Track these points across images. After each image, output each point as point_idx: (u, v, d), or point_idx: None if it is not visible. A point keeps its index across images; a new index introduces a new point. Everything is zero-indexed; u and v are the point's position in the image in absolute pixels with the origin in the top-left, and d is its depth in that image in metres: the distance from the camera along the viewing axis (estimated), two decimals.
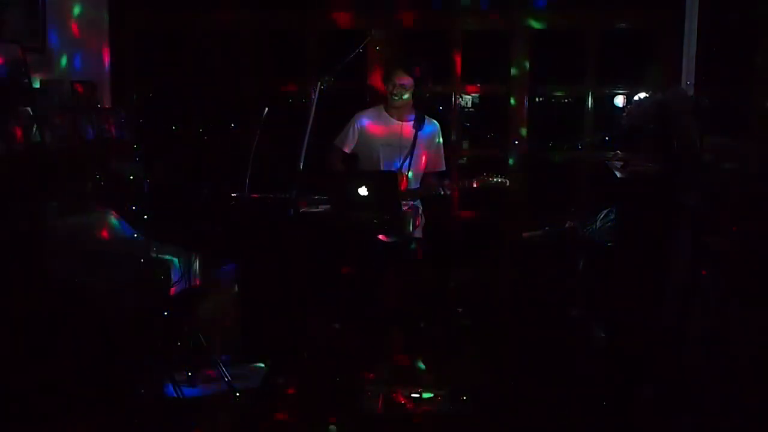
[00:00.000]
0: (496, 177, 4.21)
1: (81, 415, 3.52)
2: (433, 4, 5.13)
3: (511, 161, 5.14)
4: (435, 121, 4.40)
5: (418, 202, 4.35)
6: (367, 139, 4.33)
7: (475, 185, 4.22)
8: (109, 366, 3.68)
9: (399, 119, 4.32)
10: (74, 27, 4.80)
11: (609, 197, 4.56)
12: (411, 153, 4.22)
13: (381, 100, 4.46)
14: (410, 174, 4.26)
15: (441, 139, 4.42)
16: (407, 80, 4.22)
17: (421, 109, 4.33)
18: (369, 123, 4.35)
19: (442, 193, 4.26)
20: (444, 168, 4.45)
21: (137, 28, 5.32)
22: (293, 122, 4.29)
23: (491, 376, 4.25)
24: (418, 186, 4.35)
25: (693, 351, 3.56)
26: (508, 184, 4.24)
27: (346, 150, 4.35)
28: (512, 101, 5.17)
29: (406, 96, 4.24)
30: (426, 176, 4.39)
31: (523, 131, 5.16)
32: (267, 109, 4.05)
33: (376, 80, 5.01)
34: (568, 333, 4.60)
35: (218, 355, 4.18)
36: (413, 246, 4.30)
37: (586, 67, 5.09)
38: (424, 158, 4.34)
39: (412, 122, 4.27)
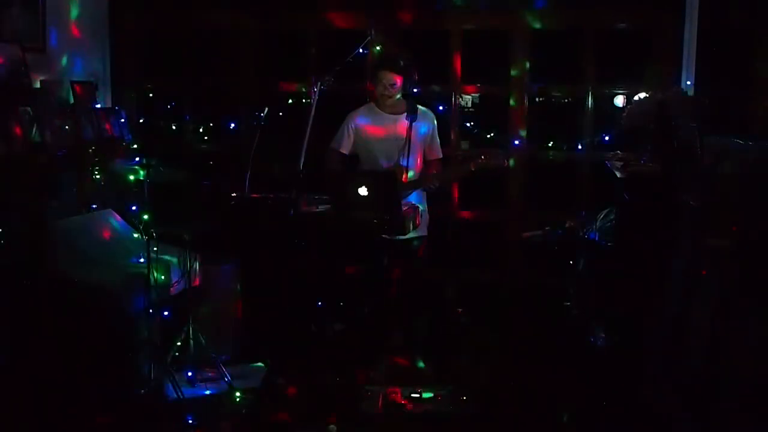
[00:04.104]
0: (494, 158, 4.18)
1: (81, 415, 3.52)
2: (433, 4, 5.13)
3: (512, 162, 5.12)
4: (427, 109, 4.35)
5: (423, 204, 4.34)
6: (364, 137, 4.32)
7: (472, 168, 4.19)
8: (109, 366, 3.68)
9: (392, 113, 4.30)
10: (74, 27, 4.80)
11: (609, 197, 4.56)
12: (408, 145, 4.19)
13: (373, 98, 4.43)
14: (410, 166, 4.23)
15: (436, 126, 4.39)
16: (397, 78, 4.20)
17: (412, 99, 4.30)
18: (363, 121, 4.33)
19: (440, 183, 4.25)
20: (441, 156, 4.43)
21: (137, 28, 5.32)
22: (293, 122, 4.29)
23: (491, 376, 4.25)
24: (418, 177, 4.33)
25: (693, 351, 3.55)
26: (506, 163, 4.20)
27: (344, 151, 4.32)
28: (512, 101, 5.17)
29: (398, 96, 4.24)
30: (425, 166, 4.38)
31: (523, 131, 5.17)
32: (267, 109, 4.05)
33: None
34: (568, 333, 4.60)
35: (218, 355, 4.18)
36: (416, 243, 4.29)
37: (586, 67, 5.09)
38: (421, 148, 4.33)
39: (405, 114, 4.24)
